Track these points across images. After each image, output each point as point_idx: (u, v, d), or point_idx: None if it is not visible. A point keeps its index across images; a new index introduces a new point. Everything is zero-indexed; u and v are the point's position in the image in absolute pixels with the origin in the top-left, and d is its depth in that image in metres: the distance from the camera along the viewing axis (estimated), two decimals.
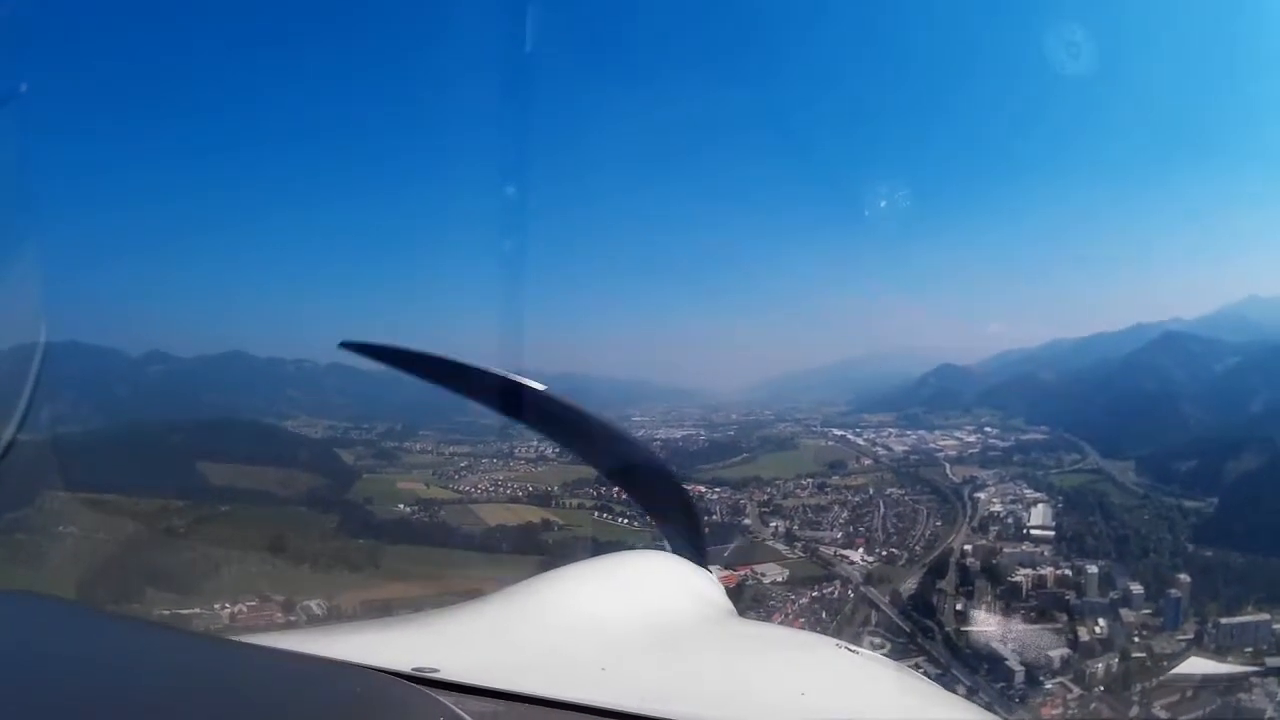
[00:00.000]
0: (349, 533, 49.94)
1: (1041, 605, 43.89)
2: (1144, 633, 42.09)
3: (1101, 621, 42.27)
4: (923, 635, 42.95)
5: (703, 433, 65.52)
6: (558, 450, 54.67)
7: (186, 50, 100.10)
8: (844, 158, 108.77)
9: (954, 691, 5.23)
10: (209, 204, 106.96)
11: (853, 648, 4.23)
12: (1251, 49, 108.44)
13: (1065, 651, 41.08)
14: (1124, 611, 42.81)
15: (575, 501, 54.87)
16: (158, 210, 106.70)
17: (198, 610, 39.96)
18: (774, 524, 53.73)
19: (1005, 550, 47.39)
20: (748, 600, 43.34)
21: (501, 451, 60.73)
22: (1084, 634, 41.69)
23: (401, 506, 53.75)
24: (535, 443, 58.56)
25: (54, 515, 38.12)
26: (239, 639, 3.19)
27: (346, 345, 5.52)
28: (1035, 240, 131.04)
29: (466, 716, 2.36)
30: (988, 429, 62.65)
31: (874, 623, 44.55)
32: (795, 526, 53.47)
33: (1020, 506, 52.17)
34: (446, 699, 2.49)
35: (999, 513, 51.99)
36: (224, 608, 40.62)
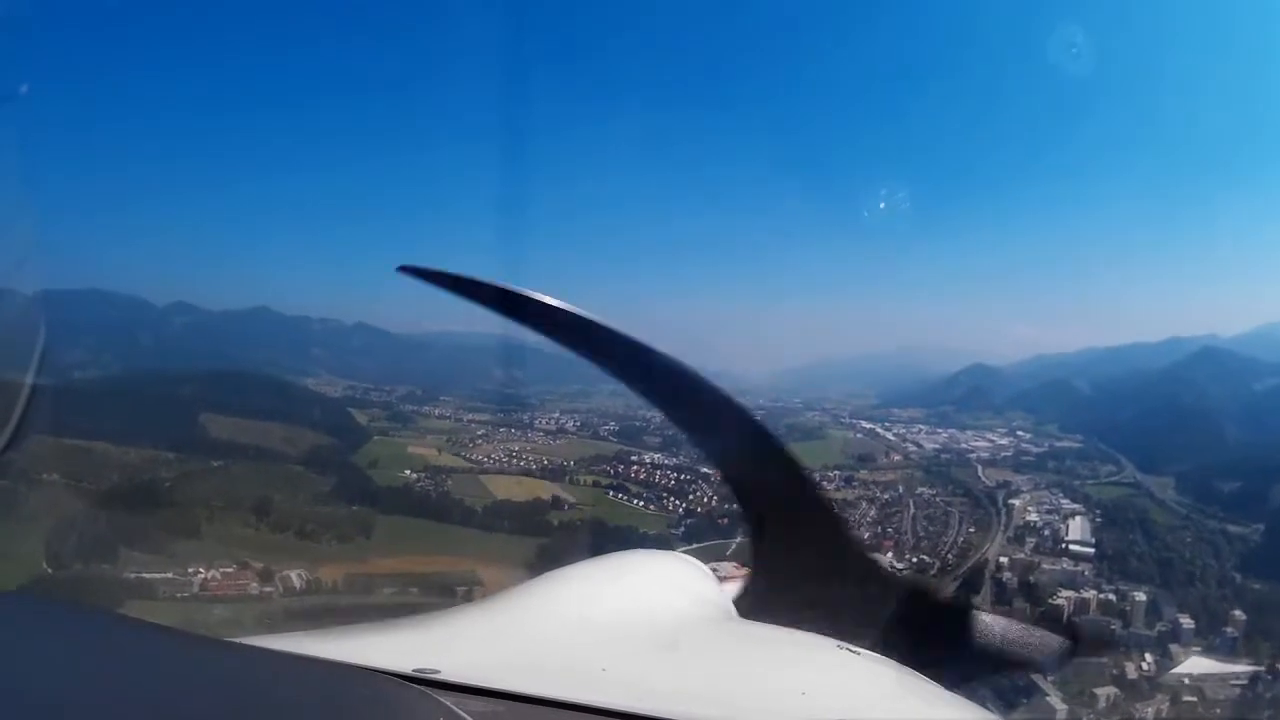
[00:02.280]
0: (344, 498, 46.85)
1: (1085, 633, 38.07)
2: (1189, 677, 37.32)
3: (1149, 657, 37.86)
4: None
5: None
6: (578, 424, 55.22)
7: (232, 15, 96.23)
8: (891, 151, 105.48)
9: None
10: (251, 160, 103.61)
11: (854, 648, 3.83)
12: None
13: (1111, 690, 36.33)
14: (1173, 648, 38.52)
15: (590, 479, 51.60)
16: (197, 163, 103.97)
17: (169, 575, 37.50)
18: None
19: (1044, 566, 43.38)
20: None
21: (521, 421, 58.06)
22: (1131, 670, 37.16)
23: (407, 473, 50.56)
24: (556, 414, 57.52)
25: (39, 461, 35.29)
26: (239, 640, 3.00)
27: (406, 269, 4.13)
28: (1073, 246, 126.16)
29: (467, 717, 2.33)
30: (1020, 433, 58.56)
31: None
32: None
33: (1057, 518, 47.89)
34: (448, 699, 2.43)
35: (1035, 523, 47.77)
36: (196, 572, 37.91)
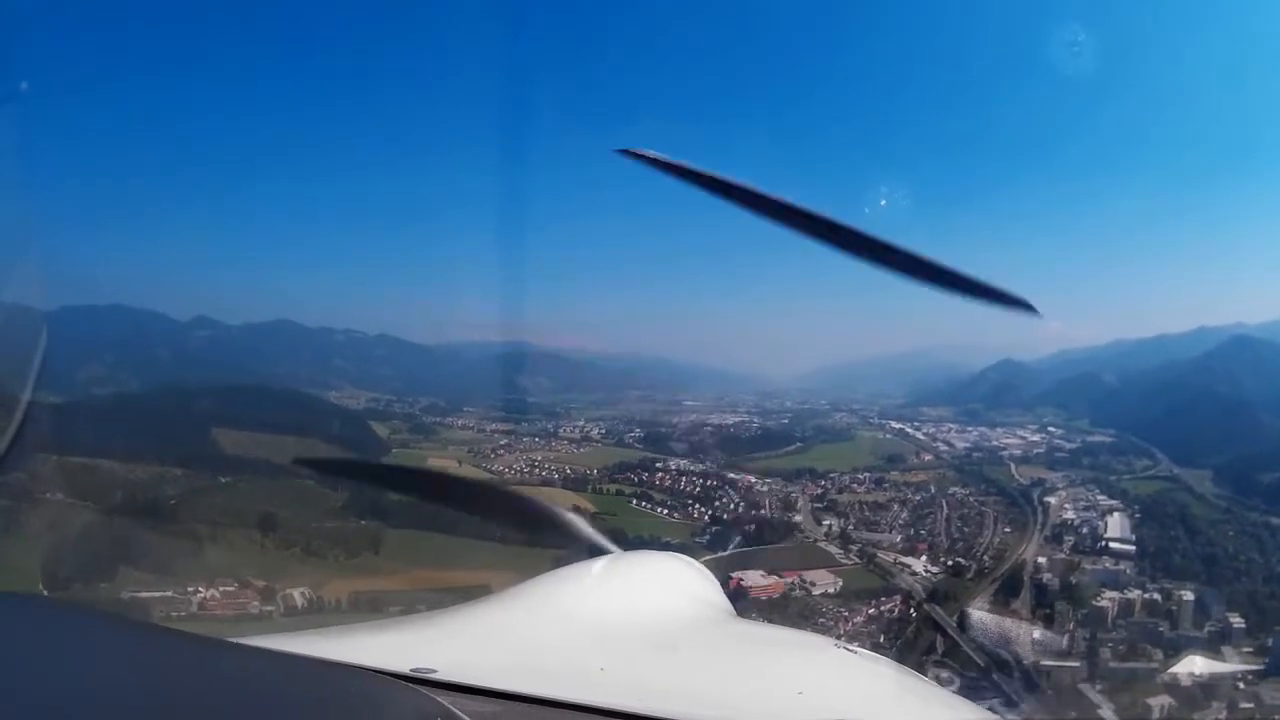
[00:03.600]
0: (355, 512, 44.91)
1: (1131, 637, 37.35)
2: (1249, 678, 35.05)
3: (1199, 660, 35.31)
4: (999, 670, 35.19)
5: (756, 420, 60.05)
6: (603, 431, 55.51)
7: (241, 25, 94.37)
8: (909, 149, 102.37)
9: None
10: (276, 173, 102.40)
11: (851, 648, 4.28)
12: None
13: (1165, 700, 33.77)
14: (1225, 650, 36.25)
15: (614, 487, 50.33)
16: (215, 178, 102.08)
17: (169, 593, 36.46)
18: (827, 522, 47.73)
19: (1085, 566, 41.49)
20: (793, 615, 37.32)
21: (545, 430, 56.95)
22: (1184, 678, 34.75)
23: None
24: (581, 422, 56.97)
25: (45, 479, 34.01)
26: (238, 640, 3.01)
27: (624, 152, 3.75)
28: (1095, 239, 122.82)
29: (464, 716, 2.35)
30: (1051, 429, 56.82)
31: (940, 651, 37.09)
32: (850, 526, 47.46)
33: (1095, 515, 46.04)
34: (444, 699, 2.46)
35: (1072, 521, 45.85)
36: (196, 591, 36.97)
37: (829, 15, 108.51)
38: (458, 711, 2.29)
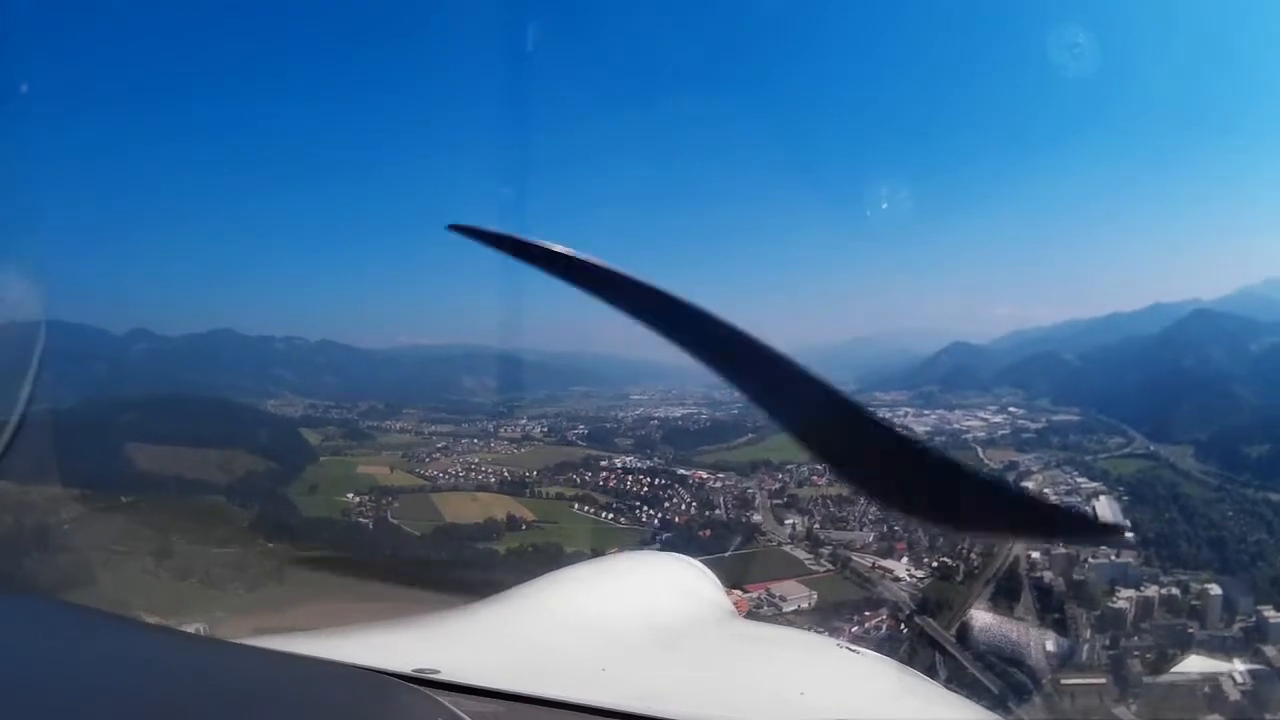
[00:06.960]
0: (263, 533, 38.86)
1: (1159, 643, 31.19)
2: None
3: (1239, 664, 29.24)
4: (1015, 696, 28.67)
5: (704, 411, 54.91)
6: (545, 429, 50.55)
7: (180, 35, 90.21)
8: (854, 134, 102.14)
9: None
10: (206, 183, 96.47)
11: (853, 648, 4.05)
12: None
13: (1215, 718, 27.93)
14: (1266, 649, 30.02)
15: (554, 490, 45.20)
16: (151, 188, 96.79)
17: None
18: (790, 521, 41.97)
19: (1087, 561, 35.29)
20: None
21: (485, 431, 52.18)
22: (1229, 688, 28.25)
23: (349, 497, 43.96)
24: (523, 421, 52.54)
25: None
26: (239, 640, 3.08)
27: (455, 228, 2.71)
28: (1043, 219, 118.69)
29: (466, 717, 2.31)
30: (1012, 409, 51.97)
31: (945, 675, 30.17)
32: (816, 524, 41.78)
33: (1079, 500, 39.38)
34: (447, 699, 2.43)
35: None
36: None
37: None
38: (460, 712, 2.20)
